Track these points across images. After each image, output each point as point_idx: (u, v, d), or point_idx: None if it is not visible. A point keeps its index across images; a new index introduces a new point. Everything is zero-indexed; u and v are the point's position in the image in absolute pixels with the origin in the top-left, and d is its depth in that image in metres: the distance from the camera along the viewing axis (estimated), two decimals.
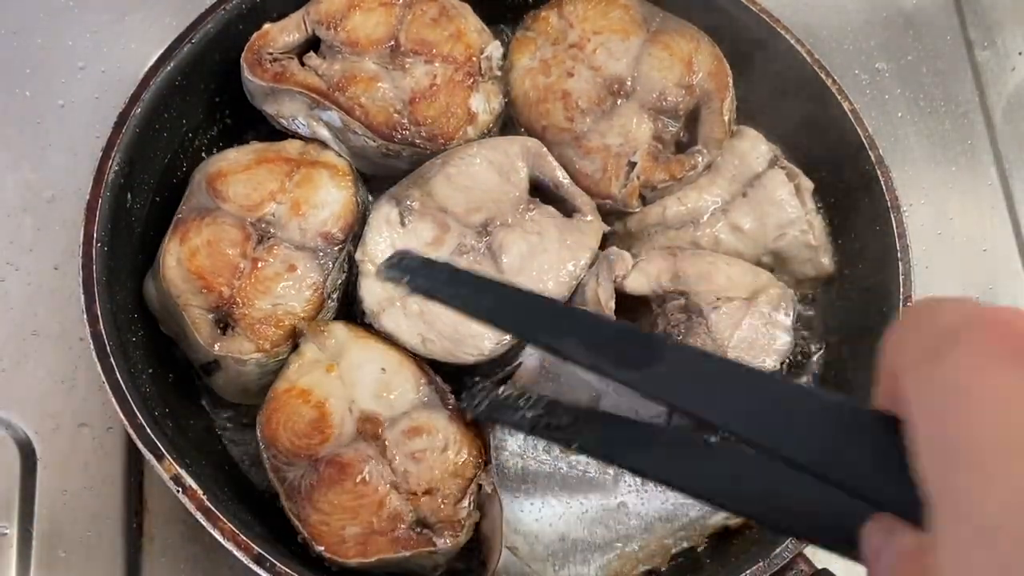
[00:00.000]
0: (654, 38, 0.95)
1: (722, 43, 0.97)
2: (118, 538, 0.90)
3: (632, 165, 0.92)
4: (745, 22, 0.98)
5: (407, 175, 0.92)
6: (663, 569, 0.85)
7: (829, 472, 0.36)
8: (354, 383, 0.82)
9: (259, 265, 0.84)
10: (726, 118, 0.94)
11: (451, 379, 0.87)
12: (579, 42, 0.96)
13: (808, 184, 0.96)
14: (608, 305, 0.87)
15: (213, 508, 0.73)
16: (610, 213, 0.95)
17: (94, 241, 0.81)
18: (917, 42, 1.24)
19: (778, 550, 0.78)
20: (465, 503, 0.79)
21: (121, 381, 0.76)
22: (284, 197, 0.88)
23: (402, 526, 0.77)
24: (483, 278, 0.67)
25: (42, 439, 0.93)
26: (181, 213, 0.87)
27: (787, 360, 0.89)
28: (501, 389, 0.76)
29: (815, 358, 0.97)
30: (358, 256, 0.87)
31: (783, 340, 0.87)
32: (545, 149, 0.93)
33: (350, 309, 0.90)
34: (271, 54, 0.91)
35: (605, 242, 0.94)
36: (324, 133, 0.92)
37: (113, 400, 0.76)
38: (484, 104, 0.94)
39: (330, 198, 0.89)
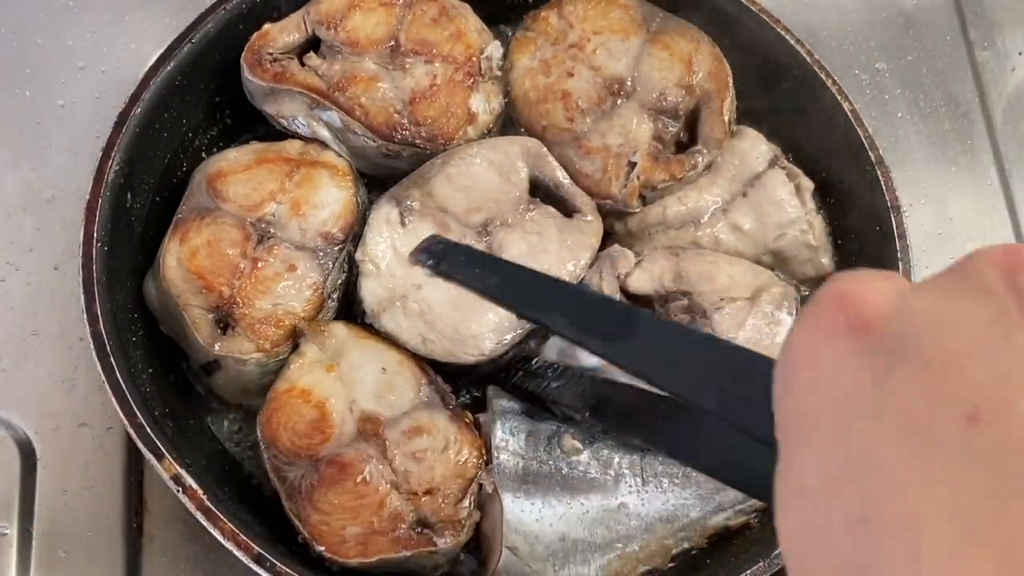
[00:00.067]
0: (654, 38, 0.95)
1: (722, 43, 0.97)
2: (118, 538, 0.90)
3: (632, 165, 0.92)
4: (745, 22, 0.98)
5: (407, 175, 0.92)
6: (664, 569, 0.85)
7: None
8: (354, 383, 0.82)
9: (259, 265, 0.84)
10: (726, 118, 0.94)
11: (451, 379, 0.87)
12: (579, 42, 0.96)
13: (808, 184, 0.96)
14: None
15: (213, 508, 0.73)
16: (610, 213, 0.95)
17: (94, 241, 0.81)
18: (917, 42, 1.24)
19: (779, 550, 0.78)
20: (466, 503, 0.79)
21: (121, 381, 0.76)
22: (284, 197, 0.88)
23: (403, 526, 0.77)
24: (496, 260, 0.73)
25: (42, 439, 0.93)
26: (181, 213, 0.87)
27: None
28: (533, 361, 0.80)
29: None
30: (358, 256, 0.87)
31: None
32: (545, 149, 0.93)
33: (350, 309, 0.91)
34: (271, 54, 0.91)
35: (605, 242, 0.94)
36: (324, 133, 0.92)
37: (113, 400, 0.76)
38: (484, 104, 0.94)
39: (330, 198, 0.89)
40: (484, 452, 0.82)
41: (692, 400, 0.43)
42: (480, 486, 0.80)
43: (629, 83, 0.94)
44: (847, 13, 1.25)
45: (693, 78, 0.94)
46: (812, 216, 0.95)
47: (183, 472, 0.74)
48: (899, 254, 0.90)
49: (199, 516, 0.73)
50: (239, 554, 0.72)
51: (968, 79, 1.23)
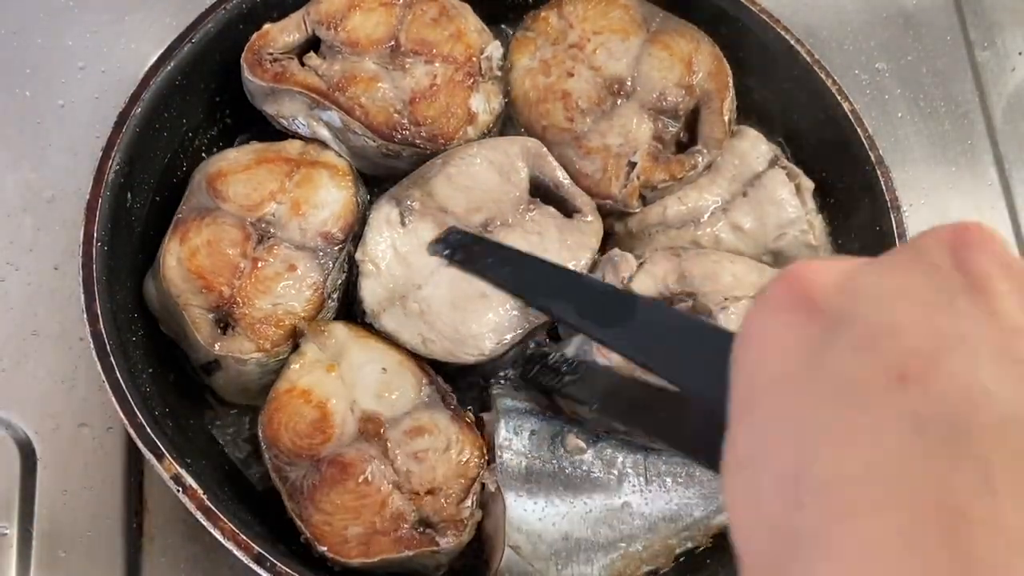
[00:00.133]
0: (654, 38, 0.95)
1: (722, 43, 0.97)
2: (118, 538, 0.90)
3: (632, 165, 0.92)
4: (745, 22, 0.98)
5: (407, 175, 0.92)
6: (666, 570, 0.84)
7: None
8: (355, 383, 0.82)
9: (259, 265, 0.84)
10: (726, 118, 0.94)
11: (451, 379, 0.87)
12: (579, 42, 0.96)
13: (808, 184, 0.96)
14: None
15: (213, 508, 0.73)
16: (610, 213, 0.95)
17: (94, 241, 0.80)
18: (917, 42, 1.24)
19: None
20: (468, 502, 0.79)
21: (121, 381, 0.76)
22: (284, 197, 0.88)
23: (405, 526, 0.77)
24: (508, 250, 0.75)
25: (42, 439, 0.93)
26: (181, 213, 0.87)
27: None
28: (550, 357, 0.82)
29: None
30: (358, 256, 0.87)
31: None
32: (545, 149, 0.93)
33: (350, 309, 0.90)
34: (271, 54, 0.91)
35: (606, 242, 0.94)
36: (324, 133, 0.92)
37: (113, 400, 0.76)
38: (484, 104, 0.94)
39: (330, 198, 0.89)
40: (485, 451, 0.82)
41: (688, 386, 0.43)
42: (483, 485, 0.80)
43: (629, 83, 0.94)
44: (847, 13, 1.25)
45: (693, 78, 0.94)
46: (812, 216, 0.95)
47: (183, 472, 0.74)
48: None
49: (199, 516, 0.73)
50: (239, 554, 0.72)
51: (968, 79, 1.23)
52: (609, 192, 0.93)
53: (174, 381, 0.88)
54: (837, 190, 0.98)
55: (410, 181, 0.90)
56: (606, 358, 0.82)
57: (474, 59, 0.93)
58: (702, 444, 0.50)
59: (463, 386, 0.91)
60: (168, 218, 0.88)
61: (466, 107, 0.92)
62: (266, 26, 0.92)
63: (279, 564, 0.72)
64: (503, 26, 1.04)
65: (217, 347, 0.83)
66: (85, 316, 0.78)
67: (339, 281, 0.89)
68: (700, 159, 0.93)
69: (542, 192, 0.93)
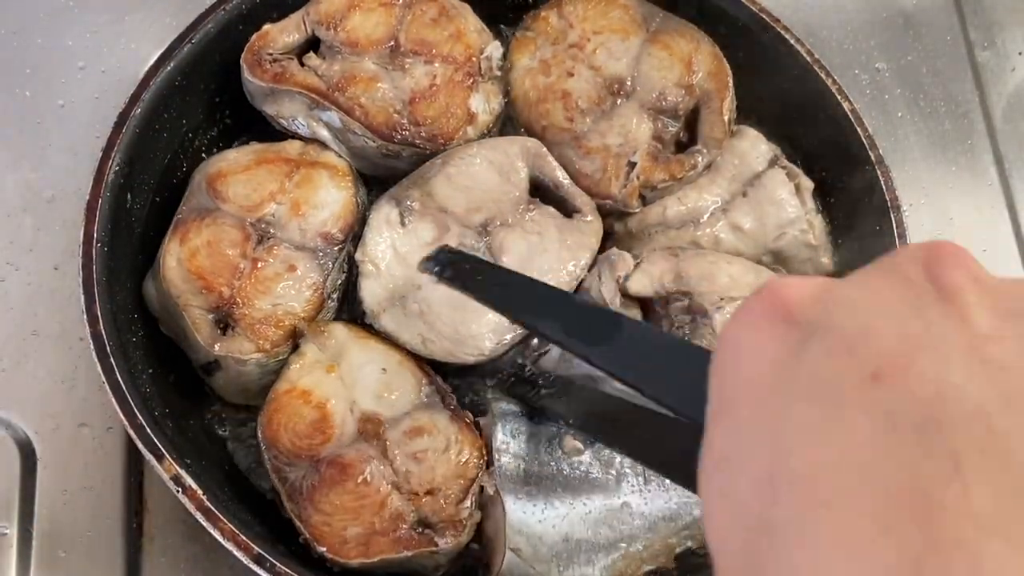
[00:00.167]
0: (654, 38, 0.95)
1: (722, 43, 0.97)
2: (118, 538, 0.90)
3: (632, 165, 0.92)
4: (745, 22, 0.98)
5: (407, 175, 0.92)
6: (668, 569, 0.84)
7: None
8: (355, 383, 0.82)
9: (259, 265, 0.84)
10: (726, 118, 0.94)
11: (451, 380, 0.87)
12: (579, 42, 0.96)
13: (808, 184, 0.96)
14: (613, 303, 0.87)
15: (213, 508, 0.73)
16: (610, 213, 0.95)
17: (94, 241, 0.80)
18: (917, 42, 1.24)
19: None
20: (467, 503, 0.79)
21: (121, 381, 0.76)
22: (284, 197, 0.88)
23: (404, 526, 0.77)
24: (496, 268, 0.76)
25: (42, 439, 0.93)
26: (181, 214, 0.87)
27: None
28: (526, 369, 0.82)
29: None
30: (358, 256, 0.87)
31: None
32: (545, 149, 0.93)
33: (350, 309, 0.91)
34: (271, 54, 0.91)
35: (605, 243, 0.94)
36: (324, 133, 0.92)
37: (113, 400, 0.76)
38: (484, 104, 0.94)
39: (330, 198, 0.89)
40: (485, 452, 0.82)
41: (673, 405, 0.44)
42: (482, 488, 0.80)
43: (629, 83, 0.94)
44: (847, 13, 1.25)
45: (693, 78, 0.94)
46: (812, 216, 0.95)
47: (183, 472, 0.74)
48: None
49: (199, 516, 0.73)
50: (239, 554, 0.72)
51: (968, 79, 1.23)
52: (609, 192, 0.93)
53: (174, 381, 0.88)
54: (837, 190, 0.97)
55: (410, 181, 0.90)
56: (587, 374, 0.82)
57: (474, 59, 0.93)
58: (681, 464, 0.51)
59: (462, 386, 0.92)
60: (168, 219, 0.88)
61: (466, 107, 0.92)
62: (266, 26, 0.92)
63: (279, 564, 0.72)
64: (503, 26, 1.04)
65: (217, 347, 0.83)
66: (85, 317, 0.78)
67: (339, 281, 0.89)
68: (700, 159, 0.93)
69: (542, 192, 0.93)
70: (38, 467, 0.92)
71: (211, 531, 0.72)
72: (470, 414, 0.84)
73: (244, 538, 0.72)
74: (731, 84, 0.95)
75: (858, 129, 0.94)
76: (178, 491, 0.73)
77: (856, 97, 0.96)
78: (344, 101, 0.89)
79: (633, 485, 0.84)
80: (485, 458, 0.82)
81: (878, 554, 0.26)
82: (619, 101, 0.94)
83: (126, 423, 0.75)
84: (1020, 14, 1.27)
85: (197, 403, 0.91)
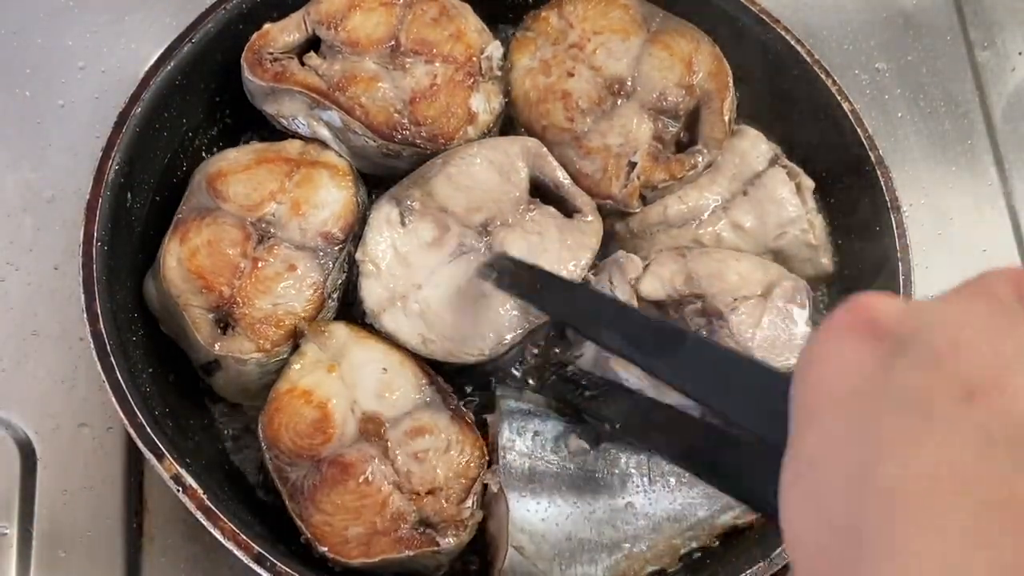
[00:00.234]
0: (654, 38, 0.95)
1: (722, 43, 0.97)
2: (118, 538, 0.90)
3: (632, 165, 0.92)
4: (745, 22, 0.98)
5: (407, 175, 0.92)
6: (671, 570, 0.84)
7: None
8: (356, 383, 0.82)
9: (259, 265, 0.84)
10: (726, 118, 0.94)
11: (451, 379, 0.87)
12: (579, 42, 0.96)
13: (809, 183, 0.96)
14: (630, 305, 0.87)
15: (213, 508, 0.73)
16: (611, 213, 0.95)
17: (94, 241, 0.81)
18: (917, 42, 1.24)
19: (779, 550, 0.78)
20: (468, 503, 0.79)
21: (121, 381, 0.76)
22: (284, 197, 0.88)
23: (405, 526, 0.77)
24: (560, 280, 0.81)
25: (42, 439, 0.93)
26: (181, 213, 0.87)
27: None
28: (568, 369, 0.83)
29: None
30: (358, 256, 0.87)
31: (803, 335, 0.86)
32: (545, 149, 0.93)
33: (350, 309, 0.90)
34: (271, 54, 0.91)
35: (607, 243, 0.94)
36: (324, 133, 0.92)
37: (113, 400, 0.76)
38: (484, 104, 0.94)
39: (330, 198, 0.89)
40: (486, 452, 0.82)
41: (739, 420, 0.45)
42: (485, 486, 0.80)
43: (629, 83, 0.94)
44: (847, 13, 1.25)
45: (693, 78, 0.94)
46: (813, 215, 0.95)
47: (183, 472, 0.74)
48: (899, 254, 0.90)
49: (199, 516, 0.73)
50: (239, 554, 0.72)
51: (968, 79, 1.23)
52: (609, 192, 0.93)
53: (174, 381, 0.88)
54: (837, 190, 0.98)
55: (410, 181, 0.90)
56: (628, 376, 0.83)
57: (474, 59, 0.93)
58: (724, 470, 0.52)
59: (463, 386, 0.92)
60: (168, 218, 0.88)
61: (466, 107, 0.92)
62: (266, 26, 0.92)
63: (279, 564, 0.72)
64: (503, 26, 1.04)
65: (217, 347, 0.83)
66: (85, 316, 0.78)
67: (339, 281, 0.89)
68: (700, 159, 0.93)
69: (542, 192, 0.93)
70: (38, 467, 0.92)
71: (211, 530, 0.72)
72: (471, 414, 0.84)
73: (244, 537, 0.72)
74: (731, 84, 0.95)
75: (858, 129, 0.94)
76: (178, 490, 0.73)
77: (856, 97, 0.96)
78: (345, 100, 0.89)
79: (638, 485, 0.83)
80: (486, 458, 0.82)
81: (969, 566, 0.26)
82: (619, 101, 0.94)
83: (126, 423, 0.75)
84: (1020, 14, 1.27)
85: (197, 403, 0.91)
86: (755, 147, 0.96)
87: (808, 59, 0.96)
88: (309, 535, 0.77)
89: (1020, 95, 1.23)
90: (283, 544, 0.77)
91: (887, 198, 0.92)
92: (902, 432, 0.30)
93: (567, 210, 0.92)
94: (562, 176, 0.92)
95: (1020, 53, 1.25)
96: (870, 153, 0.93)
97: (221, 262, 0.84)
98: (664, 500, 0.83)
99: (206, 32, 0.90)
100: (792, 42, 0.96)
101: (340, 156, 0.93)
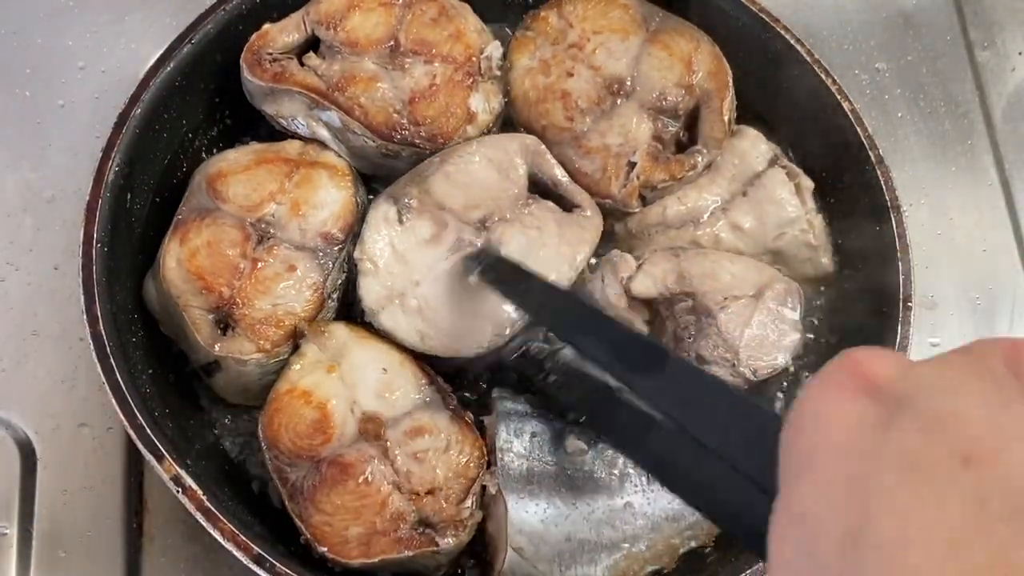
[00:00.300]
0: (654, 38, 0.95)
1: (722, 43, 0.97)
2: (118, 538, 0.90)
3: (632, 165, 0.92)
4: (745, 22, 0.98)
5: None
6: (669, 570, 0.84)
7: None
8: (355, 384, 0.82)
9: (259, 265, 0.84)
10: (726, 118, 0.94)
11: (451, 380, 0.87)
12: (579, 42, 0.96)
13: (808, 183, 0.96)
14: (619, 304, 0.87)
15: (213, 508, 0.73)
16: (610, 213, 0.95)
17: (94, 241, 0.81)
18: (917, 42, 1.24)
19: None
20: (468, 503, 0.79)
21: (121, 381, 0.76)
22: (284, 197, 0.88)
23: (405, 526, 0.77)
24: (545, 283, 0.80)
25: (42, 439, 0.93)
26: (181, 214, 0.87)
27: (797, 355, 0.88)
28: (532, 346, 0.82)
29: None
30: (356, 255, 0.87)
31: (792, 336, 0.87)
32: (544, 147, 0.93)
33: (350, 309, 0.90)
34: (270, 54, 0.91)
35: (607, 243, 0.94)
36: (323, 133, 0.92)
37: (113, 400, 0.76)
38: (483, 104, 0.94)
39: (329, 198, 0.89)
40: (485, 452, 0.82)
41: (702, 439, 0.46)
42: (484, 487, 0.80)
43: (629, 83, 0.94)
44: (847, 13, 1.25)
45: (693, 78, 0.94)
46: (812, 215, 0.95)
47: (183, 472, 0.74)
48: (899, 254, 0.90)
49: (199, 516, 0.73)
50: (239, 554, 0.72)
51: (968, 79, 1.23)
52: (609, 192, 0.93)
53: (174, 381, 0.88)
54: (837, 190, 0.97)
55: (408, 179, 0.90)
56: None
57: (474, 59, 0.93)
58: (677, 471, 0.52)
59: (463, 387, 0.92)
60: (168, 219, 0.88)
61: (465, 107, 0.92)
62: (265, 26, 0.92)
63: (279, 565, 0.72)
64: (503, 26, 1.04)
65: (217, 348, 0.83)
66: (85, 317, 0.78)
67: (339, 281, 0.89)
68: (700, 159, 0.93)
69: (540, 190, 0.93)
70: (38, 467, 0.92)
71: (211, 531, 0.73)
72: (471, 414, 0.84)
73: (244, 538, 0.72)
74: (731, 84, 0.95)
75: (858, 129, 0.94)
76: (178, 491, 0.73)
77: (856, 97, 0.96)
78: (344, 101, 0.89)
79: (636, 485, 0.84)
80: (486, 458, 0.82)
81: None
82: (619, 101, 0.94)
83: (126, 423, 0.75)
84: (1020, 14, 1.27)
85: (197, 403, 0.91)
86: (755, 147, 0.96)
87: (808, 59, 0.96)
88: (309, 535, 0.77)
89: (1020, 95, 1.23)
90: (283, 544, 0.77)
91: (887, 198, 0.92)
92: (899, 492, 0.31)
93: (566, 207, 0.92)
94: (560, 174, 0.92)
95: (1020, 53, 1.25)
96: (870, 153, 0.93)
97: (221, 263, 0.84)
98: (663, 500, 0.83)
99: (206, 33, 0.90)
100: (792, 42, 0.96)
101: (339, 156, 0.93)
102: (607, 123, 0.93)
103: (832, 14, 1.24)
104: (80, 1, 1.13)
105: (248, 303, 0.83)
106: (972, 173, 1.18)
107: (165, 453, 0.74)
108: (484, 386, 0.93)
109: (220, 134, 0.98)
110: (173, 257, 0.84)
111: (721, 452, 0.44)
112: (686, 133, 0.97)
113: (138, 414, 0.75)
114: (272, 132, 0.95)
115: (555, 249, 0.88)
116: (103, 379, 0.76)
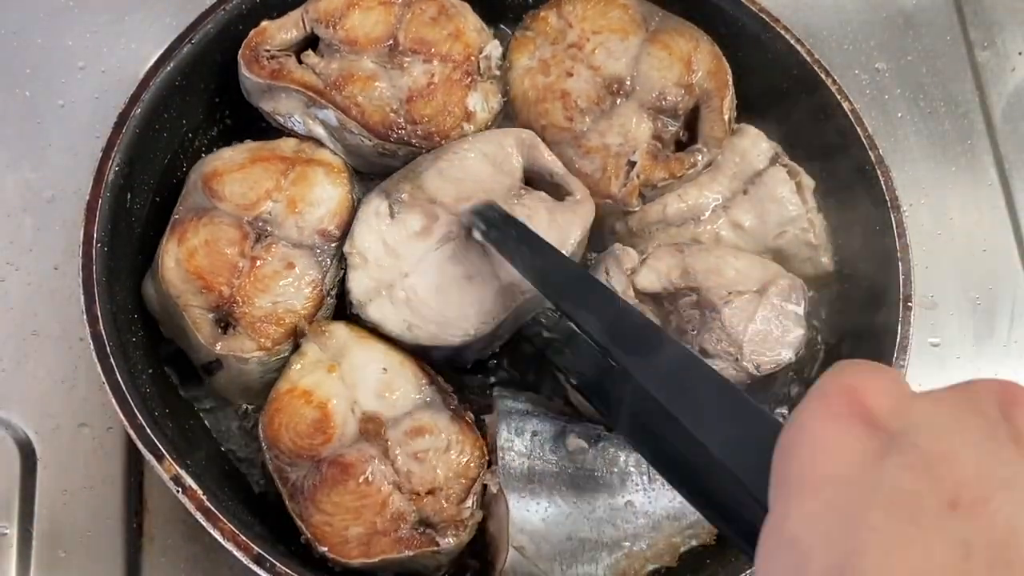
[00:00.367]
0: (653, 37, 0.95)
1: (722, 43, 0.97)
2: (118, 538, 0.90)
3: (632, 164, 0.92)
4: (745, 22, 0.98)
5: None
6: (669, 569, 0.84)
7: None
8: (356, 383, 0.82)
9: (258, 263, 0.84)
10: (726, 117, 0.94)
11: (452, 380, 0.87)
12: (578, 42, 0.96)
13: (809, 182, 0.96)
14: (626, 295, 0.87)
15: (213, 508, 0.73)
16: (611, 212, 0.95)
17: (94, 241, 0.81)
18: (917, 42, 1.24)
19: None
20: (468, 503, 0.79)
21: (121, 381, 0.76)
22: (280, 195, 0.88)
23: (405, 526, 0.77)
24: (545, 244, 0.75)
25: (42, 439, 0.93)
26: (178, 214, 0.87)
27: (801, 351, 0.88)
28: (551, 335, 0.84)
29: (817, 361, 0.96)
30: (346, 249, 0.87)
31: (796, 332, 0.86)
32: (539, 140, 0.92)
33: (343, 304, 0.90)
34: (268, 51, 0.91)
35: (606, 243, 0.94)
36: (320, 131, 0.92)
37: (113, 400, 0.76)
38: (482, 103, 0.94)
39: (326, 195, 0.89)
40: (486, 452, 0.82)
41: (694, 431, 0.45)
42: (485, 486, 0.80)
43: (628, 82, 0.94)
44: (847, 13, 1.25)
45: (692, 77, 0.94)
46: (813, 214, 0.95)
47: (183, 472, 0.74)
48: (899, 254, 0.90)
49: (199, 516, 0.73)
50: (239, 554, 0.72)
51: (968, 79, 1.23)
52: (609, 191, 0.93)
53: (174, 382, 0.88)
54: (837, 190, 0.97)
55: (401, 175, 0.90)
56: None
57: (473, 58, 0.93)
58: (693, 481, 0.52)
59: (463, 386, 0.92)
60: (168, 218, 0.88)
61: (463, 106, 0.92)
62: (264, 23, 0.92)
63: (279, 564, 0.72)
64: (503, 26, 1.04)
65: (218, 347, 0.83)
66: (85, 317, 0.78)
67: (337, 278, 0.89)
68: (700, 157, 0.93)
69: (536, 184, 0.93)
70: (38, 467, 0.92)
71: (211, 531, 0.72)
72: (471, 414, 0.84)
73: (244, 538, 0.72)
74: (731, 83, 0.95)
75: (858, 129, 0.94)
76: (178, 491, 0.73)
77: (856, 97, 0.96)
78: (341, 99, 0.89)
79: (637, 484, 0.84)
80: (486, 458, 0.82)
81: None
82: (618, 101, 0.94)
83: (126, 423, 0.75)
84: (1020, 14, 1.27)
85: (197, 403, 0.91)
86: (755, 146, 0.96)
87: (808, 59, 0.96)
88: (309, 535, 0.77)
89: (1020, 95, 1.23)
90: (283, 544, 0.77)
91: (887, 198, 0.92)
92: (887, 530, 0.32)
93: (560, 196, 0.91)
94: (556, 165, 0.92)
95: (1020, 53, 1.25)
96: (870, 153, 0.93)
97: (219, 262, 0.84)
98: (663, 498, 0.83)
99: (206, 33, 0.90)
100: (792, 42, 0.96)
101: (335, 154, 0.93)
102: (607, 123, 0.93)
103: (832, 14, 1.24)
104: (80, 1, 1.13)
105: (248, 301, 0.83)
106: (972, 173, 1.18)
107: (165, 453, 0.74)
108: (491, 381, 0.93)
109: (220, 134, 0.98)
110: (171, 257, 0.84)
111: (710, 447, 0.44)
112: (686, 132, 0.97)
113: (138, 414, 0.75)
114: (273, 131, 0.95)
115: (545, 232, 0.87)
116: (103, 379, 0.76)
